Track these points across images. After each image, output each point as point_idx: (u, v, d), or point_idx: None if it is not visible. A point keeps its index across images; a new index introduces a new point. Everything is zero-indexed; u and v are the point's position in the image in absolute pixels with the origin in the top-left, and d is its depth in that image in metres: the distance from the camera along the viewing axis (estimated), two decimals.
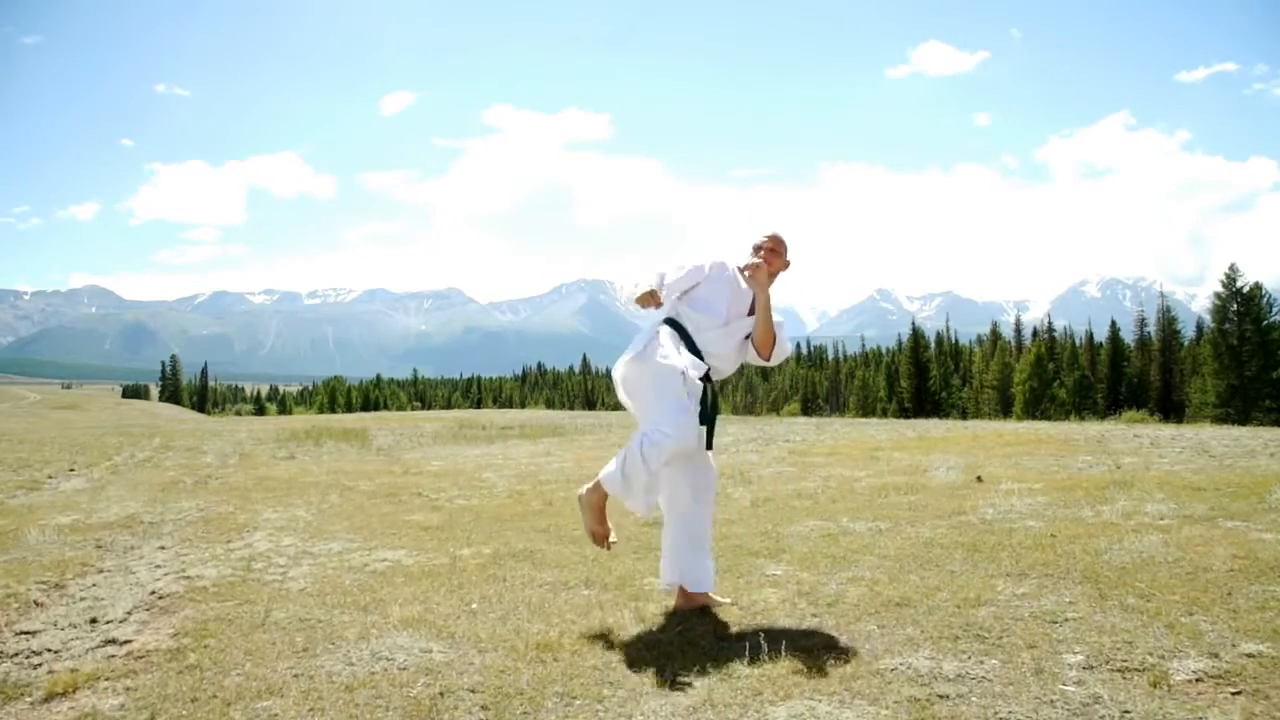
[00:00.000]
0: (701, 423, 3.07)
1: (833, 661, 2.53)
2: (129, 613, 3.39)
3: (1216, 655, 2.43)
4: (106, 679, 2.56)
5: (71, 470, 10.75)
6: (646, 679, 2.45)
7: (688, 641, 2.79)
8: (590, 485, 3.07)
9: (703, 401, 3.04)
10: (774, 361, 3.26)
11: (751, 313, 3.22)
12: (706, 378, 3.10)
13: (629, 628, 2.94)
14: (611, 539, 3.10)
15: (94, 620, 3.31)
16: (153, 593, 3.73)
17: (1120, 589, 3.18)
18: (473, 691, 2.37)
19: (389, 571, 4.08)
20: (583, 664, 2.57)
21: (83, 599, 3.69)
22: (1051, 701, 2.20)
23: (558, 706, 2.27)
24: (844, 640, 2.74)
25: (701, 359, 3.10)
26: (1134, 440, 10.12)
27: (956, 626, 2.82)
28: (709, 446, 3.17)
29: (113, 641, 2.99)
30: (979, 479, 6.60)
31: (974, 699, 2.23)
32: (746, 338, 3.23)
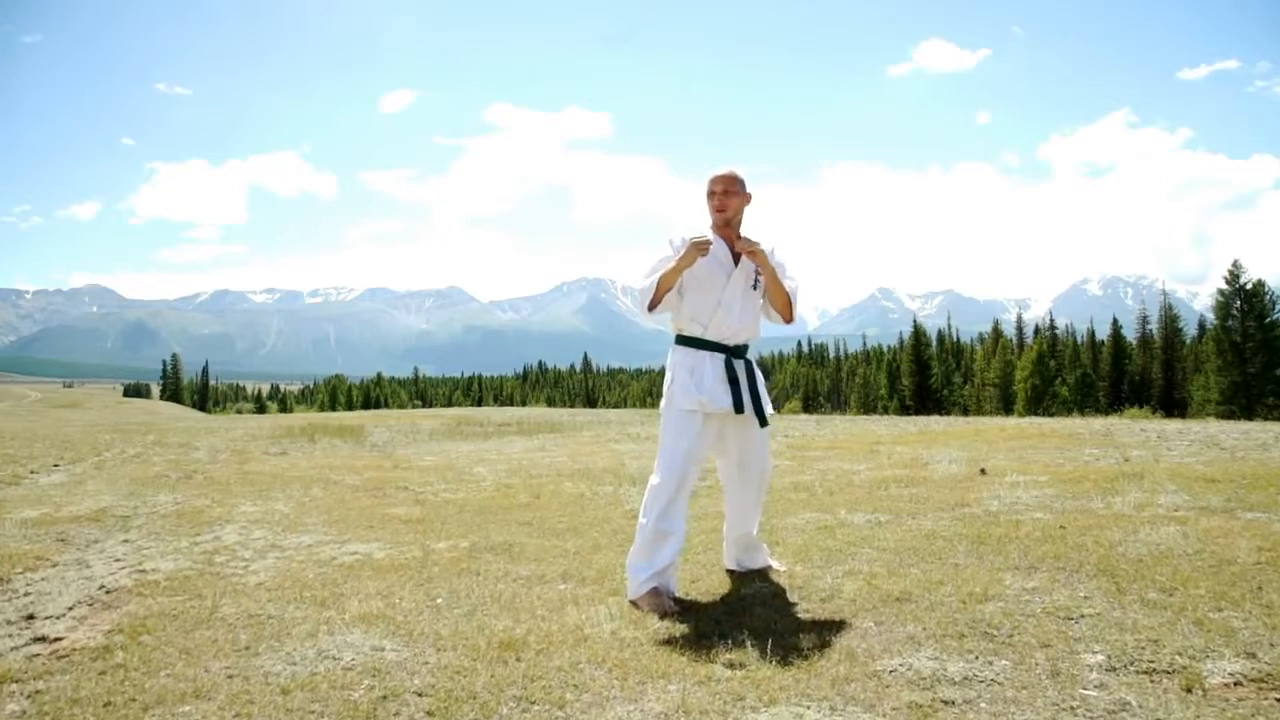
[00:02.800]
0: (738, 409, 3.08)
1: (825, 662, 2.28)
2: (69, 608, 3.15)
3: (1254, 655, 2.18)
4: (17, 681, 2.31)
5: (56, 465, 10.52)
6: (615, 681, 2.20)
7: (665, 640, 2.54)
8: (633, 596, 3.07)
9: (734, 381, 3.09)
10: (795, 320, 3.30)
11: (738, 263, 3.13)
12: (734, 354, 3.14)
13: (603, 625, 2.69)
14: (671, 609, 2.95)
15: (30, 616, 3.07)
16: (101, 587, 3.49)
17: (1139, 583, 2.93)
18: (420, 695, 2.12)
19: (357, 565, 3.84)
20: (547, 664, 2.32)
21: (26, 594, 3.44)
22: (1071, 708, 1.94)
23: (513, 712, 2.03)
24: (838, 638, 2.49)
25: (725, 347, 3.12)
26: (1140, 434, 9.85)
27: (962, 623, 2.57)
28: (762, 422, 3.18)
29: (42, 639, 2.75)
30: (982, 471, 6.35)
31: (983, 704, 1.98)
32: (754, 286, 3.15)
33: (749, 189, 3.15)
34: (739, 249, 3.05)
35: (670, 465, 3.02)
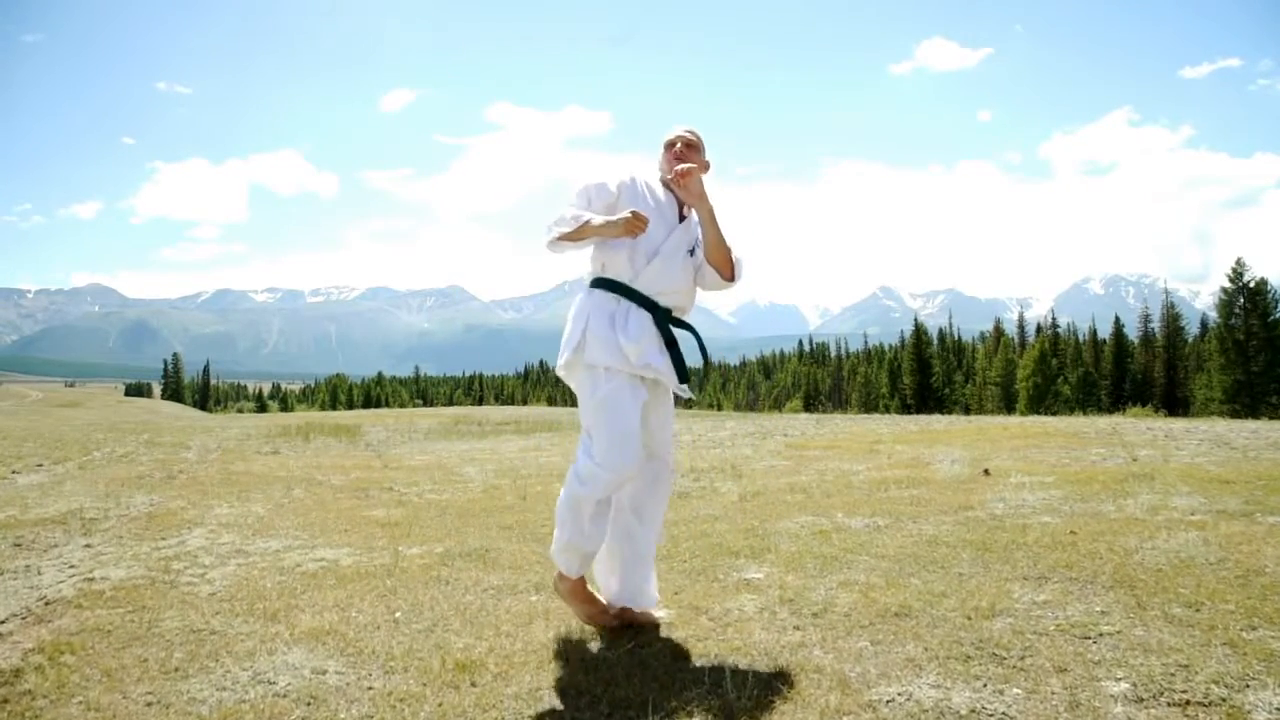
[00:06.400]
0: (681, 379, 2.60)
1: (814, 690, 2.03)
2: (1, 622, 2.91)
3: None
4: None
5: (39, 465, 10.30)
6: (576, 713, 1.96)
7: (637, 662, 2.29)
8: (556, 574, 2.63)
9: (671, 345, 2.60)
10: (739, 280, 2.71)
11: (683, 220, 2.69)
12: (666, 317, 2.63)
13: (572, 643, 2.45)
14: (612, 621, 2.58)
15: None
16: (41, 598, 3.25)
17: (1161, 596, 2.68)
18: None
19: (320, 573, 3.60)
20: (503, 691, 2.08)
21: None
22: None
23: None
24: (829, 661, 2.24)
25: (655, 305, 2.60)
26: (1147, 433, 9.60)
27: (967, 643, 2.32)
28: (683, 379, 2.63)
29: None
30: (986, 472, 6.10)
31: None
32: (690, 253, 2.67)
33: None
34: (674, 174, 2.59)
35: (614, 450, 2.43)
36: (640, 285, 2.59)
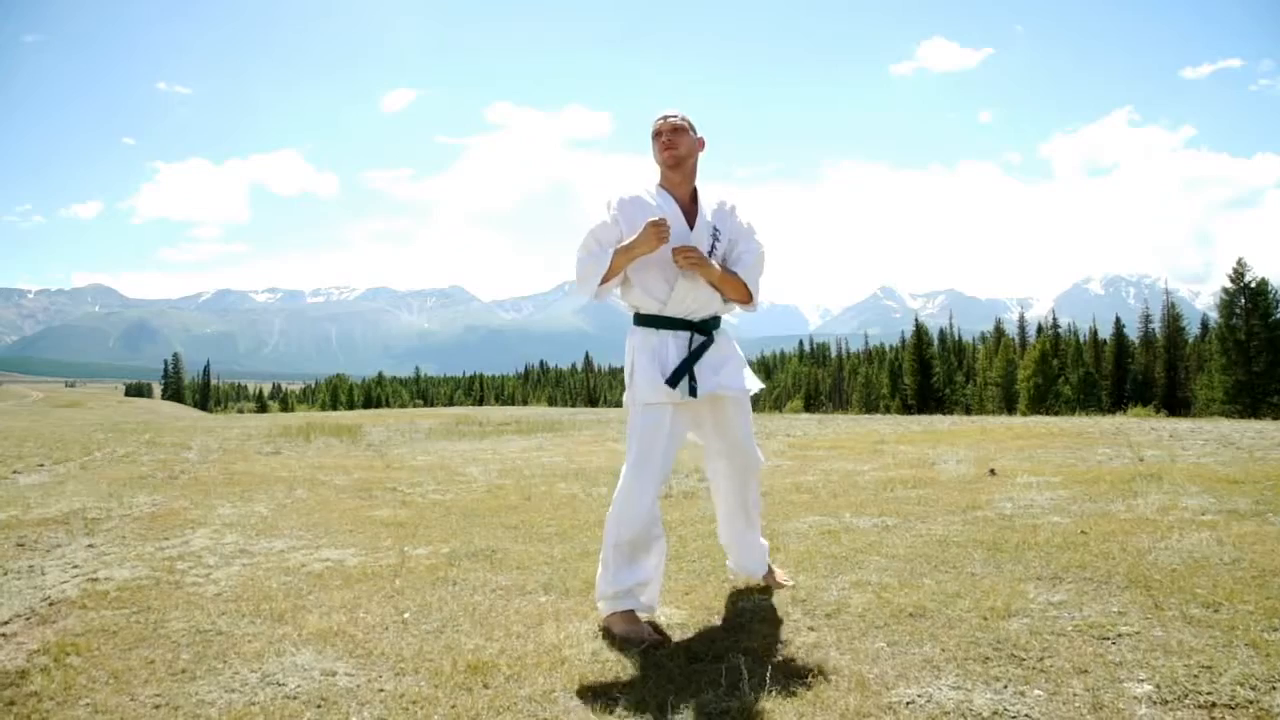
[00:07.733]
0: (692, 393, 2.65)
1: (833, 691, 2.00)
2: (4, 624, 2.88)
3: None
4: None
5: (41, 465, 10.27)
6: (591, 715, 1.93)
7: (651, 663, 2.26)
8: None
9: (687, 361, 2.67)
10: (758, 301, 2.77)
11: (694, 224, 2.65)
12: (700, 330, 2.68)
13: (584, 645, 2.42)
14: (652, 637, 2.52)
15: None
16: (45, 598, 3.22)
17: (1177, 596, 2.65)
18: None
19: (326, 573, 3.57)
20: (516, 693, 2.05)
21: None
22: None
23: None
24: (846, 662, 2.21)
25: (690, 323, 2.67)
26: (1151, 433, 9.57)
27: (985, 644, 2.29)
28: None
29: None
30: (992, 472, 6.08)
31: None
32: (712, 253, 2.68)
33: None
34: (678, 260, 2.54)
35: (642, 469, 2.56)
36: (671, 311, 2.65)
